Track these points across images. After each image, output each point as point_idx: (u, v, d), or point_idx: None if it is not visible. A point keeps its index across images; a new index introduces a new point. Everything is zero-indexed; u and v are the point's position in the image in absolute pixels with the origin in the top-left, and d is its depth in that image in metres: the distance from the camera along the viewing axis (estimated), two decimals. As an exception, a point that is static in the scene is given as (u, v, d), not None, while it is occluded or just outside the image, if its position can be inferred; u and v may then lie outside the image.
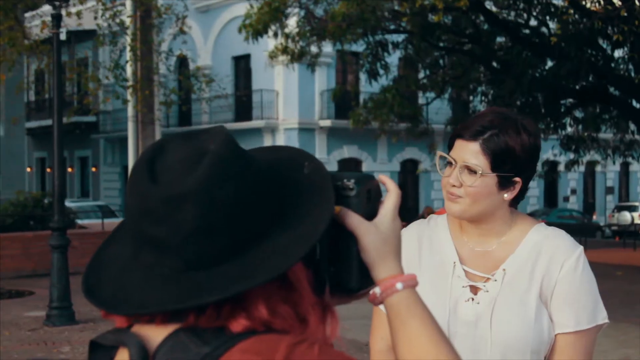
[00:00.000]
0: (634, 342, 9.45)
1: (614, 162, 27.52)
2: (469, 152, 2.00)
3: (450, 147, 2.08)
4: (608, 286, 14.86)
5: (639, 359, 8.46)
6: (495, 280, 2.06)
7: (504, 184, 2.02)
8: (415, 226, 2.22)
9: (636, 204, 36.95)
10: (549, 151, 30.14)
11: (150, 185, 1.08)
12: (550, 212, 33.51)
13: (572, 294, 2.03)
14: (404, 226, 1.50)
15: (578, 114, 22.49)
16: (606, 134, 25.02)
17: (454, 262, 2.11)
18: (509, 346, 2.00)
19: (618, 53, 21.70)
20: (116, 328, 1.15)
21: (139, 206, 1.10)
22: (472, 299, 2.06)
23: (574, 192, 38.64)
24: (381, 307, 2.23)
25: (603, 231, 34.10)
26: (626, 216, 34.35)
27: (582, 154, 23.87)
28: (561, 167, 29.72)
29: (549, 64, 20.28)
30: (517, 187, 2.04)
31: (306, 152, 1.25)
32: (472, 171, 2.00)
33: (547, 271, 2.04)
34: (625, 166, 38.70)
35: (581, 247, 2.08)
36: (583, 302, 2.04)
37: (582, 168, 32.68)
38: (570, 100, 21.21)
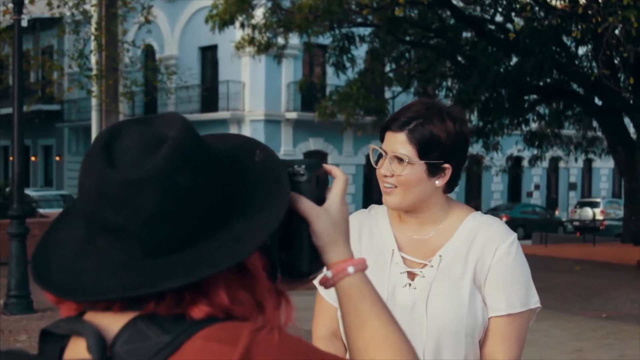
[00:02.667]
0: (588, 334, 9.59)
1: (576, 159, 27.84)
2: (397, 142, 2.06)
3: (381, 139, 2.14)
4: (567, 280, 15.10)
5: (592, 351, 8.58)
6: (432, 266, 2.10)
7: (433, 171, 2.07)
8: (357, 215, 2.27)
9: (598, 200, 37.40)
10: (513, 147, 30.50)
11: (107, 169, 1.06)
12: (513, 207, 33.81)
13: (504, 278, 2.07)
14: None
15: (542, 110, 22.72)
16: (569, 131, 25.34)
17: (393, 250, 2.16)
18: (444, 329, 2.04)
19: (581, 50, 21.94)
20: (68, 317, 1.11)
21: (95, 190, 1.06)
22: (409, 285, 2.10)
23: (537, 187, 39.02)
24: (324, 293, 2.28)
25: (565, 227, 34.48)
26: (588, 212, 34.75)
27: (545, 150, 24.15)
28: (525, 163, 29.99)
29: (514, 60, 20.45)
30: (448, 174, 2.09)
31: (254, 140, 1.24)
32: (400, 160, 2.06)
33: (481, 256, 2.08)
34: (588, 163, 39.17)
35: (514, 234, 2.13)
36: (515, 287, 2.07)
37: (545, 164, 33.04)
38: (534, 96, 21.41)
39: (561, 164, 36.89)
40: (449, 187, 2.13)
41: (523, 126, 22.50)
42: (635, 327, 10.18)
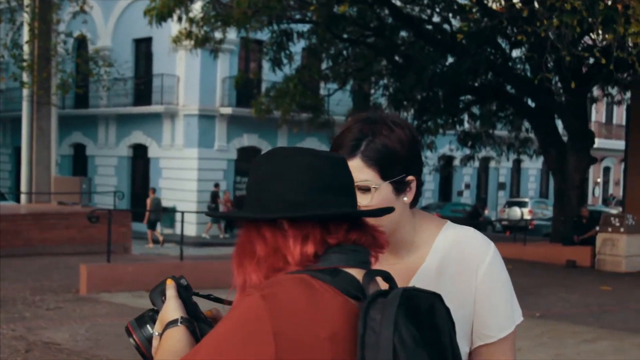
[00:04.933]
0: (523, 333, 9.71)
1: (507, 159, 28.30)
2: (354, 170, 1.74)
3: None
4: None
5: (529, 350, 8.69)
6: None
7: (399, 188, 1.88)
8: None
9: (526, 200, 38.11)
10: (446, 146, 30.86)
11: None
12: (444, 206, 34.18)
13: (491, 302, 1.92)
14: None
15: (475, 110, 23.03)
16: (501, 131, 25.74)
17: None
18: None
19: (515, 53, 22.31)
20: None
21: None
22: None
23: (467, 186, 39.56)
24: None
25: (494, 226, 35.00)
26: (516, 211, 35.38)
27: (478, 150, 24.47)
28: (456, 162, 30.35)
29: (450, 60, 20.68)
30: (413, 186, 1.90)
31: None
32: (364, 189, 1.84)
33: (462, 277, 1.93)
34: (517, 163, 39.88)
35: (492, 244, 1.96)
36: (503, 306, 1.93)
37: (476, 164, 33.52)
38: (469, 96, 21.68)
39: (491, 164, 37.46)
40: (414, 200, 1.93)
41: (457, 126, 22.78)
42: (569, 326, 10.39)
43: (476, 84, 20.63)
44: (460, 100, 21.47)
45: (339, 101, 24.58)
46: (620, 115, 46.31)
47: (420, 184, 1.91)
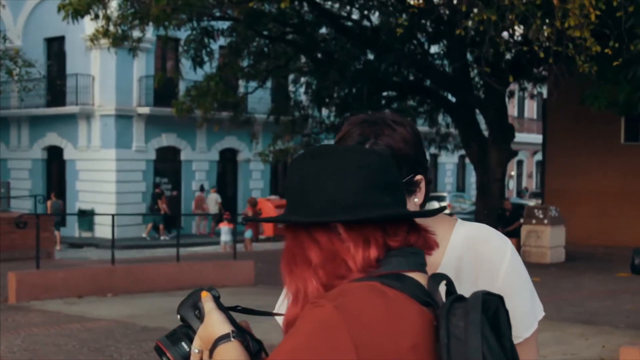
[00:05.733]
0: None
1: (429, 154, 28.58)
2: None
3: None
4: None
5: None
6: None
7: (409, 189, 1.79)
8: None
9: (444, 194, 38.61)
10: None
11: None
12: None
13: (515, 303, 1.80)
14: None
15: (396, 106, 23.13)
16: (422, 127, 25.95)
17: None
18: None
19: (434, 48, 22.52)
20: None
21: None
22: None
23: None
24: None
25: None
26: (435, 206, 35.72)
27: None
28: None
29: (370, 56, 20.71)
30: (423, 186, 1.82)
31: None
32: None
33: (481, 279, 1.84)
34: (434, 158, 40.38)
35: (508, 241, 1.88)
36: (527, 306, 1.86)
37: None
38: (391, 92, 21.77)
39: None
40: (424, 199, 1.85)
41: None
42: (504, 318, 10.44)
43: (398, 80, 20.72)
44: (382, 97, 21.53)
45: (259, 99, 24.38)
46: (531, 109, 47.43)
47: (428, 182, 1.83)
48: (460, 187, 44.46)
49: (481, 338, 1.28)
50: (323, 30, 20.99)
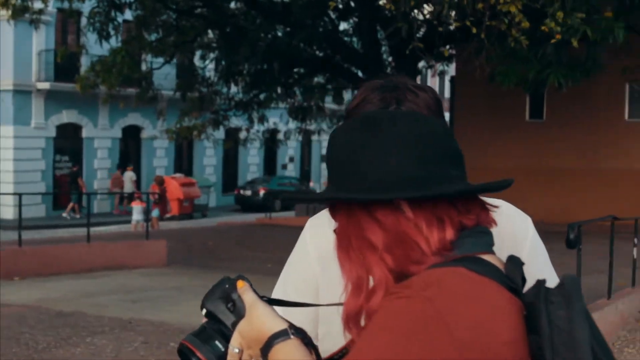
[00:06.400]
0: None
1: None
2: None
3: None
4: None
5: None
6: None
7: None
8: (328, 227, 1.65)
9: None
10: (270, 119, 30.69)
11: None
12: (270, 179, 34.21)
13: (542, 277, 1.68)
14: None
15: (307, 82, 22.99)
16: (331, 105, 25.93)
17: None
18: None
19: (344, 25, 22.45)
20: None
21: None
22: None
23: (292, 160, 39.79)
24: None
25: (321, 197, 35.43)
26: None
27: (309, 123, 24.53)
28: (281, 136, 30.24)
29: (280, 32, 20.47)
30: None
31: None
32: None
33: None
34: (340, 135, 40.44)
35: (529, 218, 1.75)
36: (551, 279, 1.73)
37: (299, 136, 33.72)
38: (301, 69, 21.60)
39: (314, 137, 37.80)
40: None
41: (289, 99, 22.67)
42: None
43: (309, 56, 20.56)
44: (293, 73, 21.35)
45: (166, 75, 23.82)
46: (443, 88, 48.03)
47: None
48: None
49: (589, 328, 1.15)
50: (233, 4, 20.59)
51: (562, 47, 14.54)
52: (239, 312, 1.34)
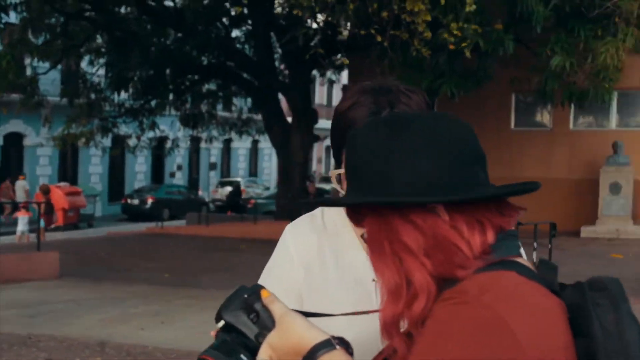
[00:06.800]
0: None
1: (223, 140, 28.29)
2: None
3: (338, 159, 1.66)
4: (236, 260, 15.19)
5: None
6: None
7: None
8: (312, 230, 1.74)
9: (238, 179, 38.64)
10: (161, 127, 30.23)
11: None
12: (158, 188, 33.62)
13: None
14: None
15: (199, 89, 22.76)
16: (223, 112, 25.71)
17: (374, 279, 1.65)
18: None
19: (236, 32, 22.34)
20: None
21: None
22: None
23: (180, 168, 39.24)
24: None
25: (208, 206, 35.07)
26: (228, 191, 35.75)
27: (201, 130, 24.26)
28: (169, 144, 29.79)
29: (174, 38, 20.19)
30: None
31: None
32: None
33: None
34: (227, 143, 40.24)
35: None
36: None
37: (187, 144, 33.34)
38: (194, 75, 21.37)
39: (202, 144, 37.43)
40: None
41: (181, 106, 22.37)
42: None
43: (202, 63, 20.37)
44: (187, 79, 21.08)
45: (52, 81, 23.07)
46: (338, 97, 48.42)
47: None
48: (253, 172, 44.66)
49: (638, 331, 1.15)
50: (123, 9, 20.16)
51: (455, 57, 14.88)
52: (263, 324, 1.26)
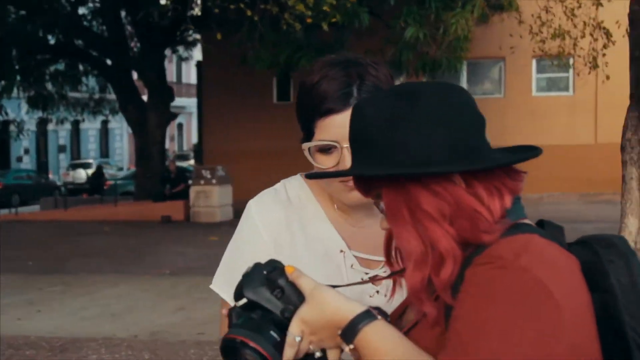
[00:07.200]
0: (172, 292, 9.56)
1: (83, 120, 27.39)
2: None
3: (309, 131, 1.64)
4: (101, 243, 14.86)
5: (192, 307, 8.55)
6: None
7: None
8: (278, 205, 1.73)
9: (90, 161, 37.59)
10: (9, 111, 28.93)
11: None
12: (6, 174, 32.20)
13: None
14: None
15: (50, 70, 21.92)
16: (73, 93, 24.86)
17: (342, 250, 1.69)
18: None
19: (82, 10, 21.64)
20: None
21: None
22: (378, 292, 1.67)
23: (27, 151, 37.75)
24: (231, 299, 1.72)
25: (60, 190, 33.91)
26: (81, 174, 34.74)
27: (51, 112, 23.42)
28: (13, 127, 28.59)
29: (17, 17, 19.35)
30: None
31: None
32: None
33: None
34: (76, 124, 38.98)
35: None
36: None
37: (33, 127, 32.01)
38: (43, 56, 20.56)
39: (49, 127, 36.11)
40: None
41: (29, 88, 21.50)
42: (204, 278, 10.40)
43: (49, 42, 19.62)
44: (32, 60, 20.24)
45: None
46: (188, 74, 47.51)
47: None
48: (104, 153, 43.52)
49: None
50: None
51: (312, 31, 15.04)
52: (288, 299, 1.28)
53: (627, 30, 8.49)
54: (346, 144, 1.54)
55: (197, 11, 20.02)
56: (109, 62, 20.58)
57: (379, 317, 1.22)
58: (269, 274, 1.31)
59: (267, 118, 22.83)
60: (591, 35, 10.13)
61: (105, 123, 40.18)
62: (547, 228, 1.29)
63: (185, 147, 49.69)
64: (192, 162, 36.78)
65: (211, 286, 1.78)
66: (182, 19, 19.51)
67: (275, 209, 1.72)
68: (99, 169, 30.94)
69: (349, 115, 1.41)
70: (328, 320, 1.24)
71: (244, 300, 1.30)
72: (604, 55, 9.87)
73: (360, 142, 1.27)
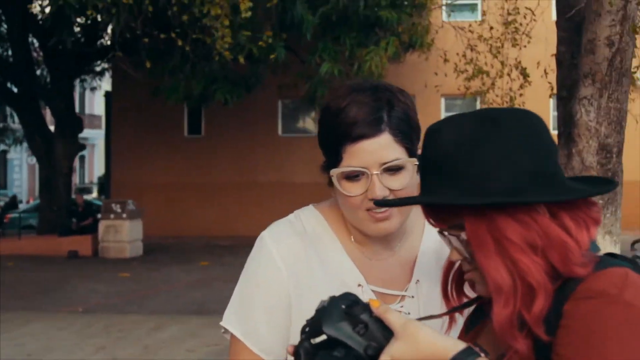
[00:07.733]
0: (88, 331, 9.23)
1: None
2: (381, 148, 1.55)
3: (336, 158, 1.59)
4: (5, 278, 14.24)
5: (114, 347, 8.25)
6: (412, 297, 1.67)
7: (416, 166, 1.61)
8: (291, 237, 1.68)
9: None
10: None
11: None
12: None
13: None
14: None
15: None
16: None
17: (359, 284, 1.66)
18: None
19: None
20: None
21: None
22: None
23: None
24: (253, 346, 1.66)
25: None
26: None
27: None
28: None
29: None
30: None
31: None
32: (395, 170, 1.56)
33: None
34: (3, 154, 37.83)
35: None
36: None
37: None
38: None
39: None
40: None
41: None
42: (124, 317, 10.07)
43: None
44: None
45: None
46: (91, 105, 46.48)
47: None
48: (2, 184, 42.09)
49: None
50: None
51: (227, 64, 14.95)
52: (372, 335, 1.21)
53: (545, 70, 8.79)
54: (376, 171, 1.54)
55: (106, 40, 19.71)
56: (14, 89, 19.98)
57: (482, 354, 1.17)
58: (348, 309, 1.24)
59: (178, 151, 22.58)
60: (508, 75, 10.39)
61: (3, 153, 38.94)
62: (620, 260, 1.28)
63: (86, 180, 48.50)
64: (94, 195, 35.97)
65: (222, 323, 1.73)
66: (93, 48, 19.22)
67: (292, 239, 1.68)
68: (13, 199, 29.84)
69: (380, 141, 1.52)
70: (425, 357, 1.18)
71: (322, 337, 1.22)
72: (520, 95, 10.13)
73: (436, 167, 1.24)
